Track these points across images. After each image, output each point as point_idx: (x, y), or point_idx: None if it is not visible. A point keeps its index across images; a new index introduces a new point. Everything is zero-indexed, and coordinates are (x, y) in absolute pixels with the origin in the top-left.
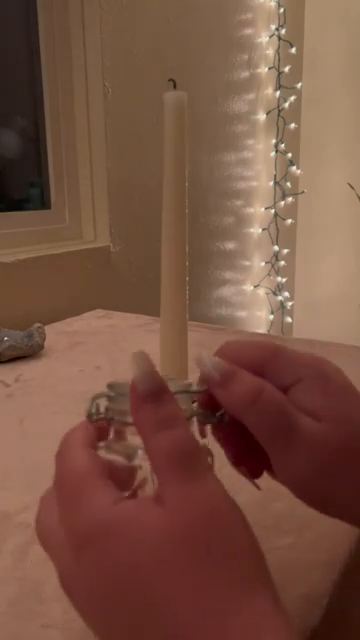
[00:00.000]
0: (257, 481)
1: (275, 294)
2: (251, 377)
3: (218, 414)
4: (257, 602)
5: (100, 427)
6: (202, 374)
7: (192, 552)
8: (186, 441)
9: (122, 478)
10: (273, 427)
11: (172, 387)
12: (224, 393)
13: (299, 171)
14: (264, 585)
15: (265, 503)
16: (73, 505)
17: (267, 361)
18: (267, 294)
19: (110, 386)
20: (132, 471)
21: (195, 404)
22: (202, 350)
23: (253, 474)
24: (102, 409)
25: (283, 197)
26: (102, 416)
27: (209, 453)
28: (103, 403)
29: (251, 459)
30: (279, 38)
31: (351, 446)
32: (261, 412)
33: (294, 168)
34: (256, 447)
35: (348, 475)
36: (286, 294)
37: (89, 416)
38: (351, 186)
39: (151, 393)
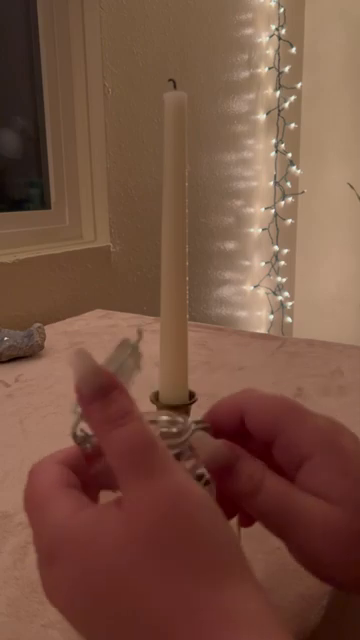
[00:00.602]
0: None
1: (275, 294)
2: (252, 462)
3: (203, 481)
4: (227, 595)
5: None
6: (205, 459)
7: (154, 554)
8: (138, 436)
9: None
10: (277, 517)
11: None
12: (226, 481)
13: (299, 171)
14: (235, 577)
15: None
16: (38, 519)
17: (281, 426)
18: (267, 294)
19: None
20: None
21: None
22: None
23: (244, 523)
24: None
25: (283, 197)
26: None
27: (210, 481)
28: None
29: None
30: (279, 38)
31: None
32: (263, 502)
33: (294, 168)
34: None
35: None
36: (286, 294)
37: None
38: (351, 186)
39: (96, 393)
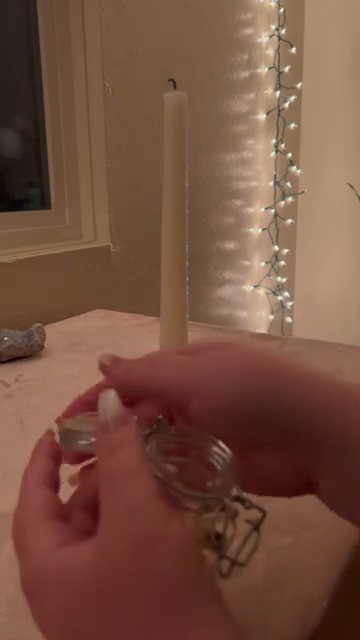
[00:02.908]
0: None
1: (275, 294)
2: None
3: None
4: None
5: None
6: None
7: (119, 597)
8: (130, 463)
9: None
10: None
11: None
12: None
13: (299, 171)
14: (203, 627)
15: (265, 503)
16: (19, 554)
17: None
18: (267, 294)
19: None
20: None
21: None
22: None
23: None
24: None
25: (283, 197)
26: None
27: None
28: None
29: None
30: (279, 38)
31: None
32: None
33: (294, 168)
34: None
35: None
36: (286, 294)
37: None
38: (351, 186)
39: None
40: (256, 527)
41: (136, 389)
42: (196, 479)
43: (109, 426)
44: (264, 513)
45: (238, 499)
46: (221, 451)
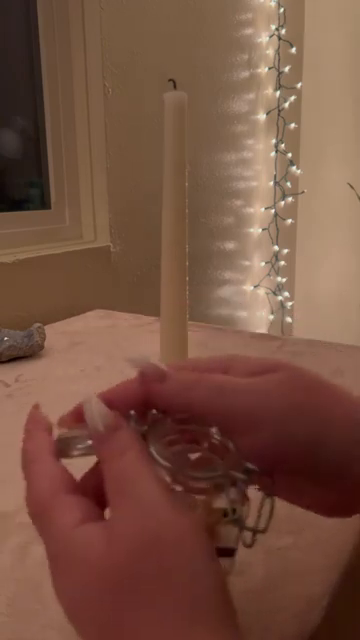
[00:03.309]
0: None
1: (275, 294)
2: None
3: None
4: None
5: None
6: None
7: (127, 585)
8: (135, 466)
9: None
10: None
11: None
12: (160, 387)
13: (299, 171)
14: (208, 628)
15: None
16: (41, 529)
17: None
18: (267, 294)
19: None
20: None
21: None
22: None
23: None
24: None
25: (283, 197)
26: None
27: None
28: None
29: None
30: (279, 38)
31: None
32: (201, 392)
33: (294, 168)
34: None
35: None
36: (286, 294)
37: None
38: (351, 186)
39: (107, 430)
40: (269, 493)
41: (171, 408)
42: (201, 463)
43: (103, 434)
44: (273, 480)
45: (246, 471)
46: (219, 434)
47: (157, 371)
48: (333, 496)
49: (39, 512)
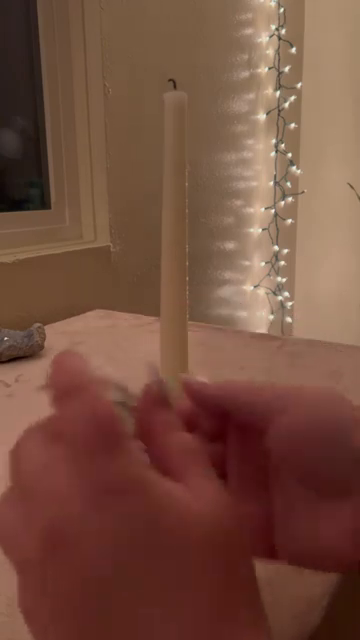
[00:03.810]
0: None
1: (275, 294)
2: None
3: None
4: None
5: None
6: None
7: (218, 556)
8: (197, 446)
9: None
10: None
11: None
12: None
13: (299, 171)
14: (240, 624)
15: None
16: (108, 450)
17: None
18: (267, 294)
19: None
20: None
21: None
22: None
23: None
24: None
25: (283, 197)
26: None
27: None
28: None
29: None
30: (279, 38)
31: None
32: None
33: (294, 168)
34: None
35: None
36: (286, 294)
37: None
38: (351, 186)
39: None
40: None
41: (216, 402)
42: None
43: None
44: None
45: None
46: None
47: (196, 381)
48: (348, 512)
49: (106, 441)
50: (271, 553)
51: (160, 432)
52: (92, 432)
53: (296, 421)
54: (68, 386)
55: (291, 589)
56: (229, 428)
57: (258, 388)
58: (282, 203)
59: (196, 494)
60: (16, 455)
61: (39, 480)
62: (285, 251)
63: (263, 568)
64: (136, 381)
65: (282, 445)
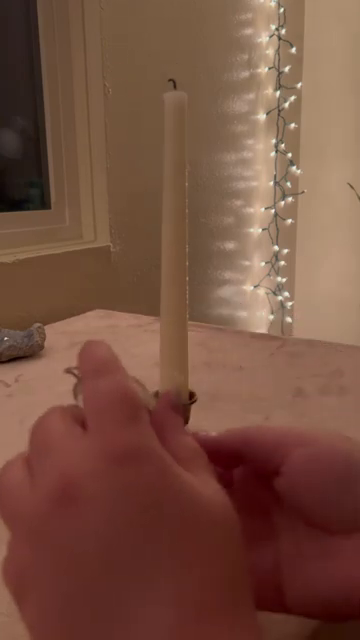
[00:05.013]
0: None
1: (275, 294)
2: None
3: None
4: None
5: None
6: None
7: (226, 542)
8: (196, 445)
9: None
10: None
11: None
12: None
13: (299, 171)
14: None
15: None
16: (128, 420)
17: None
18: (267, 294)
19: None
20: None
21: None
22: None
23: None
24: None
25: (283, 197)
26: None
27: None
28: None
29: None
30: (279, 38)
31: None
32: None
33: (294, 168)
34: None
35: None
36: (286, 294)
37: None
38: (351, 186)
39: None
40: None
41: (230, 442)
42: None
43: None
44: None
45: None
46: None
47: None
48: (350, 549)
49: (124, 405)
50: (281, 601)
51: (171, 432)
52: (116, 403)
53: (309, 463)
54: (99, 367)
55: None
56: (236, 477)
57: (268, 431)
58: (282, 203)
59: (205, 484)
60: (37, 427)
61: (56, 444)
62: (285, 251)
63: None
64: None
65: (294, 486)
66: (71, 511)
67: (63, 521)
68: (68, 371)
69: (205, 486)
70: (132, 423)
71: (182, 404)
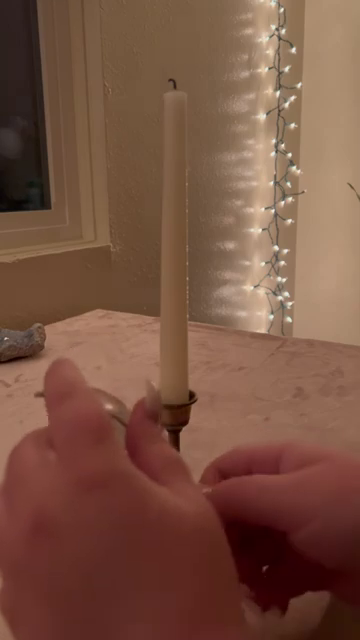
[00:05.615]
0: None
1: (275, 294)
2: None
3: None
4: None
5: None
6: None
7: (205, 553)
8: (179, 457)
9: None
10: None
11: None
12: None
13: (299, 171)
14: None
15: None
16: (94, 443)
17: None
18: (267, 294)
19: None
20: None
21: None
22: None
23: (263, 605)
24: None
25: (283, 197)
26: None
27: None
28: None
29: (256, 589)
30: (279, 38)
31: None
32: (248, 495)
33: (294, 168)
34: (258, 579)
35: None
36: (286, 294)
37: None
38: (351, 186)
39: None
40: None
41: (238, 511)
42: None
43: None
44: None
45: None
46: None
47: (219, 482)
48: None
49: (92, 431)
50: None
51: (145, 443)
52: (79, 429)
53: (315, 536)
54: (61, 391)
55: None
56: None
57: (275, 488)
58: (282, 203)
59: (180, 494)
60: (12, 456)
61: (29, 475)
62: (285, 251)
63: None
64: (137, 382)
65: (310, 547)
66: (47, 544)
67: (40, 554)
68: (38, 395)
69: (180, 496)
70: (98, 446)
71: (160, 409)
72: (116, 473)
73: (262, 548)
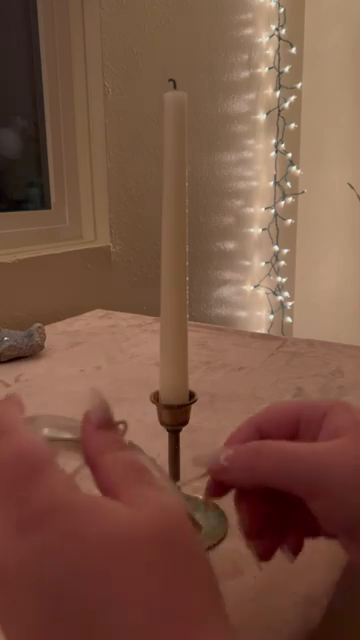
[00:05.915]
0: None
1: (275, 294)
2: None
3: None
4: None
5: None
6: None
7: (160, 558)
8: (137, 460)
9: None
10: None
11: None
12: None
13: (299, 171)
14: (219, 619)
15: None
16: (29, 479)
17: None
18: (267, 294)
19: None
20: None
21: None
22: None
23: (264, 555)
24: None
25: (283, 197)
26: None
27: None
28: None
29: (265, 537)
30: (279, 38)
31: None
32: (266, 464)
33: (294, 168)
34: (273, 524)
35: None
36: (286, 294)
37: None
38: (351, 186)
39: (103, 423)
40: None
41: (248, 482)
42: None
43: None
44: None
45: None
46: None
47: (218, 464)
48: None
49: (28, 467)
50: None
51: (99, 455)
52: (12, 466)
53: (330, 508)
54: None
55: (291, 588)
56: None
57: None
58: (282, 203)
59: (132, 502)
60: None
61: None
62: (285, 251)
63: (264, 568)
64: (137, 382)
65: (324, 518)
66: None
67: None
68: None
69: (134, 504)
70: (35, 482)
71: (110, 414)
72: (52, 508)
73: (282, 501)
